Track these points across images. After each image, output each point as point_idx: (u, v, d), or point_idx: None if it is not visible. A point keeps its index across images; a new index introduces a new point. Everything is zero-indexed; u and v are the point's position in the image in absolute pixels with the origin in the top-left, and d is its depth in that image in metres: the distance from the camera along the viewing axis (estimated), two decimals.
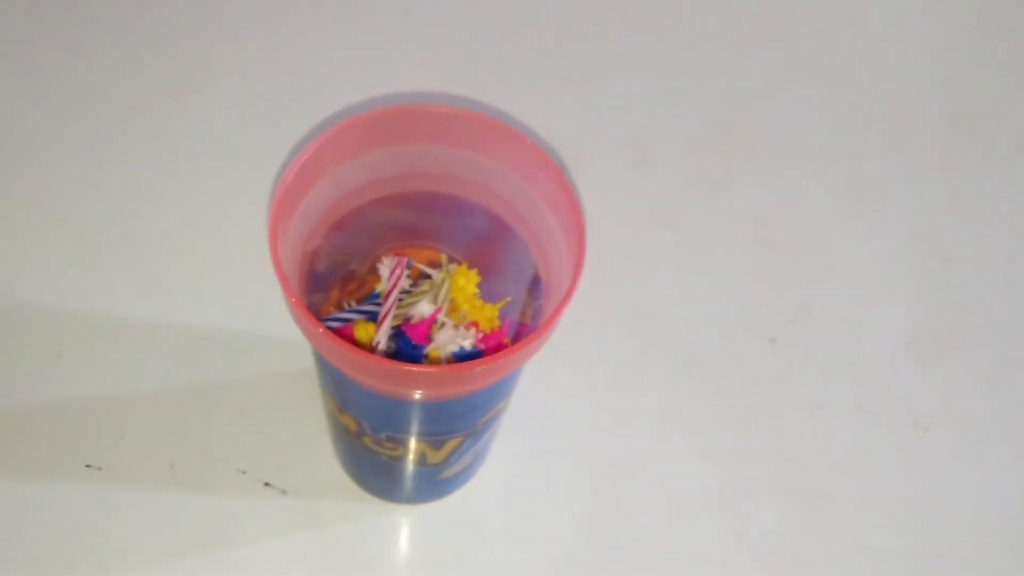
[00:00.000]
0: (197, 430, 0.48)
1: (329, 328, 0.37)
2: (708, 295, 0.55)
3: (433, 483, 0.45)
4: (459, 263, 0.40)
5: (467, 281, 0.39)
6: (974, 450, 0.52)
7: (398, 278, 0.38)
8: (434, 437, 0.39)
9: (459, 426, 0.38)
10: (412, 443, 0.39)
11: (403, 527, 0.47)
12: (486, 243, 0.40)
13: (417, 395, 0.35)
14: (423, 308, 0.39)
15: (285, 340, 0.48)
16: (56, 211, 0.54)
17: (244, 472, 0.47)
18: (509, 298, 0.39)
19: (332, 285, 0.40)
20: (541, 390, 0.50)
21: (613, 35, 0.65)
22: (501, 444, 0.48)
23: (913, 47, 0.68)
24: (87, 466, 0.47)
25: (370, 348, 0.38)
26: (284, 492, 0.47)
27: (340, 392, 0.38)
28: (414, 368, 0.32)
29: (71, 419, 0.48)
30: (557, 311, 0.33)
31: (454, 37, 0.64)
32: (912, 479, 0.51)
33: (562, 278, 0.35)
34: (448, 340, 0.39)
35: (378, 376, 0.33)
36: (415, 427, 0.38)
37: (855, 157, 0.61)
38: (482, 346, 0.39)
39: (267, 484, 0.47)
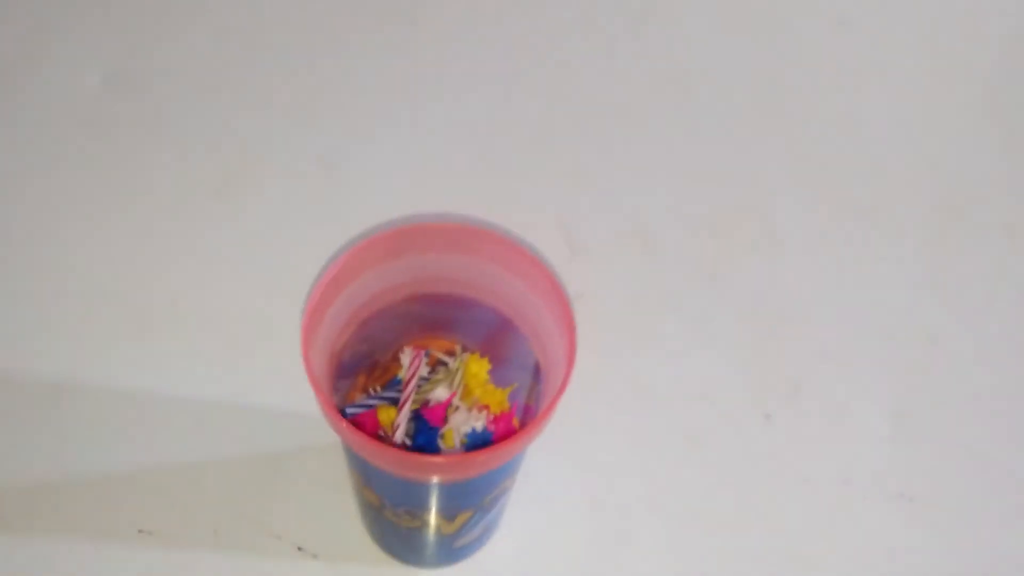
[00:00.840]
0: (238, 498, 0.53)
1: (355, 412, 0.43)
2: (707, 373, 0.60)
3: (449, 550, 0.49)
4: (472, 352, 0.45)
5: (479, 368, 0.44)
6: (959, 522, 0.55)
7: (416, 368, 0.43)
8: (447, 511, 0.44)
9: (468, 503, 0.43)
10: (427, 516, 0.44)
11: None
12: (495, 335, 0.45)
13: (427, 478, 0.40)
14: (440, 393, 0.44)
15: (320, 417, 0.53)
16: (115, 296, 0.60)
17: (279, 537, 0.52)
18: (516, 384, 0.44)
19: (359, 372, 0.45)
20: (550, 461, 0.54)
21: (621, 133, 0.71)
22: (513, 513, 0.52)
23: (902, 138, 0.72)
24: (139, 531, 0.52)
25: (392, 429, 0.42)
26: (315, 556, 0.51)
27: (363, 471, 0.43)
28: (423, 458, 0.37)
29: (126, 487, 0.53)
30: (551, 405, 0.38)
31: (477, 136, 0.70)
32: (899, 550, 0.54)
33: (558, 369, 0.40)
34: (462, 422, 0.43)
35: (393, 464, 0.38)
36: (429, 503, 0.43)
37: (846, 243, 0.66)
38: (493, 426, 0.44)
39: (300, 548, 0.52)
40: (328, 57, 0.73)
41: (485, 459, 0.37)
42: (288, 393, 0.55)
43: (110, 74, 0.70)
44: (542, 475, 0.54)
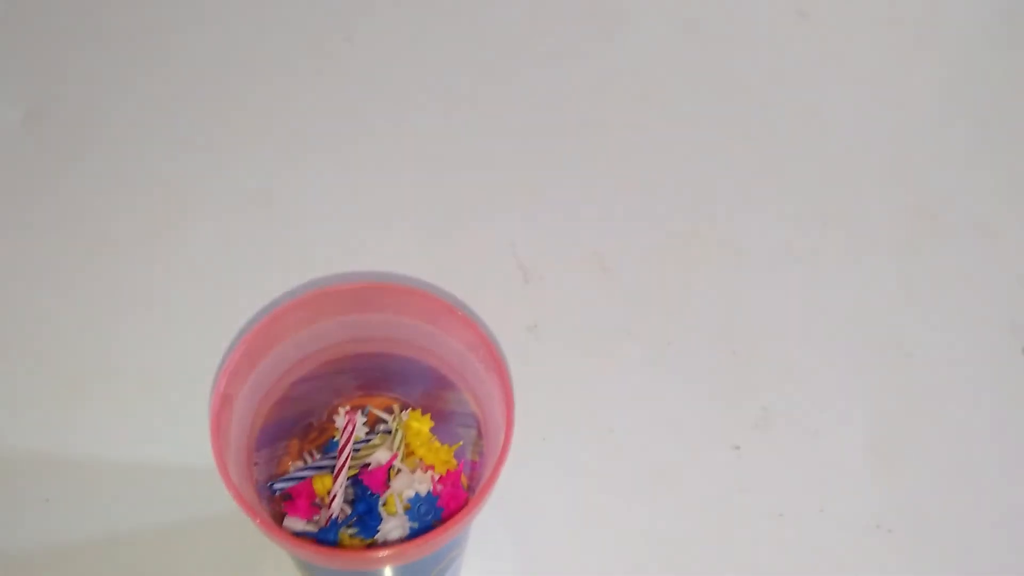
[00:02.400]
0: (183, 568, 0.50)
1: (284, 486, 0.40)
2: (671, 403, 0.57)
3: None
4: (413, 409, 0.42)
5: (421, 425, 0.41)
6: (936, 550, 0.53)
7: (351, 433, 0.40)
8: None
9: None
10: None
11: None
12: (435, 391, 0.42)
13: (371, 569, 0.37)
14: (380, 456, 0.41)
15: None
16: (39, 355, 0.56)
17: None
18: (461, 442, 0.41)
19: (292, 435, 0.41)
20: (504, 513, 0.51)
21: (574, 150, 0.67)
22: (468, 570, 0.49)
23: (867, 140, 0.70)
24: None
25: (328, 499, 0.39)
26: None
27: (299, 560, 0.40)
28: (363, 554, 0.34)
29: (60, 561, 0.50)
30: (491, 478, 0.35)
31: (424, 159, 0.66)
32: None
33: (498, 430, 0.37)
34: (404, 485, 0.40)
35: (330, 562, 0.35)
36: None
37: (813, 258, 0.63)
38: (439, 487, 0.41)
39: None
40: (260, 88, 0.69)
41: (428, 543, 0.34)
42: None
43: (32, 110, 0.66)
44: (498, 527, 0.51)
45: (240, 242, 0.62)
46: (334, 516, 0.39)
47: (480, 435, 0.41)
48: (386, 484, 0.40)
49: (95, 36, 0.71)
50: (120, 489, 0.52)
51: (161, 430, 0.54)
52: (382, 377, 0.42)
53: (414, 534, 0.39)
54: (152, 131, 0.67)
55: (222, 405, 0.35)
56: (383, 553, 0.35)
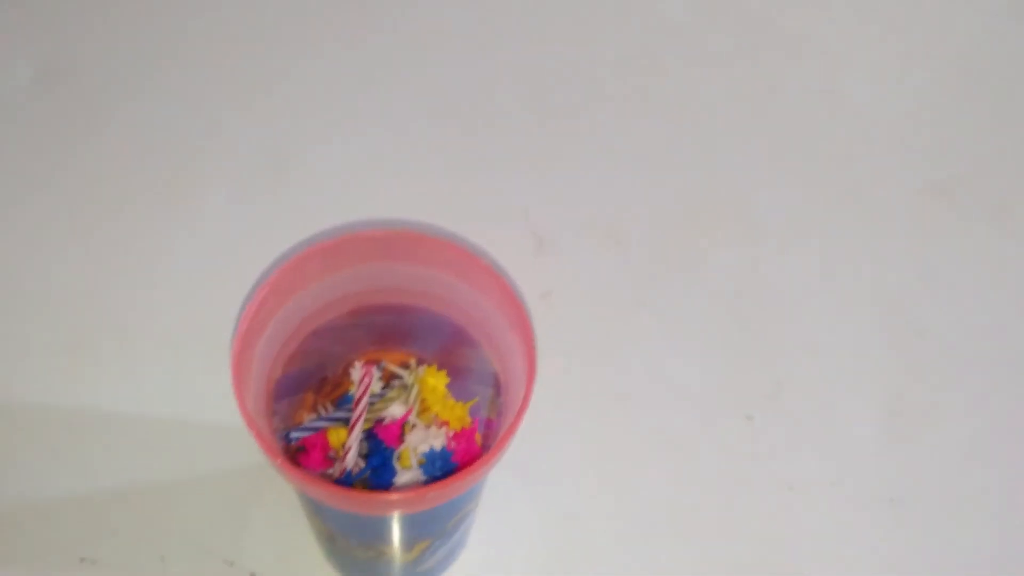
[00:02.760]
0: (186, 523, 0.50)
1: (300, 436, 0.39)
2: (684, 373, 0.56)
3: (412, 574, 0.46)
4: (429, 364, 0.41)
5: (437, 381, 0.41)
6: (949, 526, 0.53)
7: (367, 385, 0.39)
8: (404, 542, 0.40)
9: (427, 532, 0.40)
10: (382, 547, 0.41)
11: None
12: (453, 346, 0.42)
13: (385, 513, 0.37)
14: (395, 410, 0.40)
15: None
16: (48, 309, 0.56)
17: (232, 564, 0.48)
18: (477, 398, 0.41)
19: (307, 389, 0.41)
20: (517, 475, 0.51)
21: (589, 119, 0.67)
22: (480, 529, 0.49)
23: (885, 116, 0.69)
24: (81, 560, 0.48)
25: (342, 452, 0.39)
26: None
27: (312, 505, 0.39)
28: (376, 496, 0.34)
29: (66, 514, 0.50)
30: (512, 427, 0.35)
31: (439, 123, 0.66)
32: (887, 556, 0.51)
33: (518, 384, 0.37)
34: (419, 440, 0.40)
35: (343, 503, 0.35)
36: (384, 535, 0.39)
37: (829, 230, 0.63)
38: (454, 444, 0.40)
39: (254, 575, 0.48)
40: (276, 47, 0.69)
41: (443, 491, 0.34)
42: (236, 410, 0.51)
43: (41, 69, 0.66)
44: (510, 488, 0.50)
45: (254, 198, 0.61)
46: (348, 469, 0.39)
47: (497, 392, 0.41)
48: (400, 439, 0.40)
49: None
50: (132, 443, 0.52)
51: (175, 385, 0.54)
52: (398, 332, 0.42)
53: None
54: (165, 88, 0.66)
55: (243, 346, 0.35)
56: (397, 496, 0.34)
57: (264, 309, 0.36)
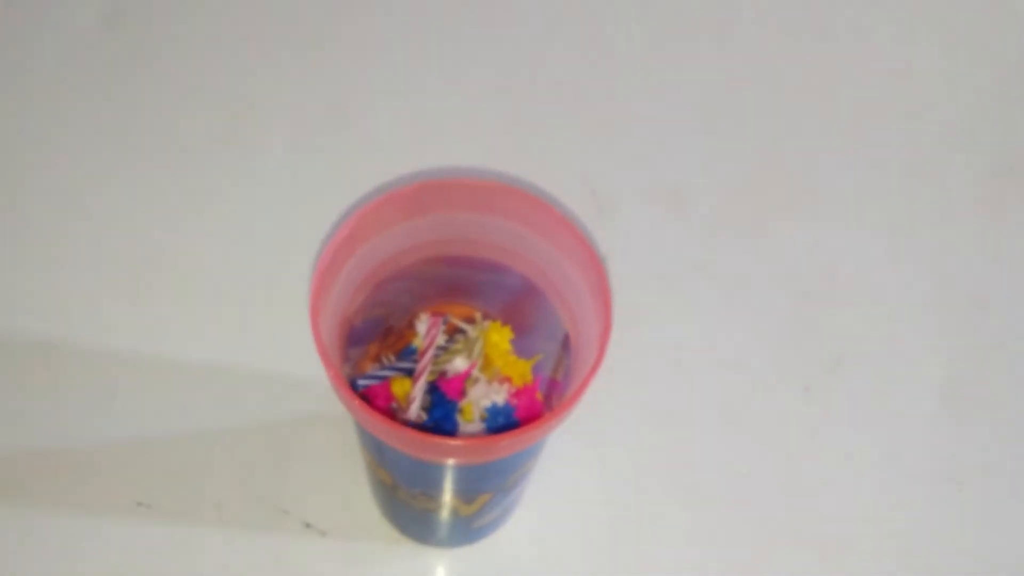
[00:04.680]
0: (243, 471, 0.50)
1: (366, 384, 0.39)
2: (744, 343, 0.56)
3: (466, 530, 0.46)
4: (493, 320, 0.41)
5: (501, 338, 0.41)
6: (1007, 506, 0.52)
7: (433, 337, 0.39)
8: (465, 494, 0.40)
9: (489, 485, 0.40)
10: (444, 498, 0.41)
11: (438, 570, 0.49)
12: (520, 302, 0.41)
13: (447, 460, 0.36)
14: (458, 364, 0.40)
15: (329, 385, 0.50)
16: (113, 254, 0.56)
17: (287, 512, 0.49)
18: (541, 355, 0.41)
19: (372, 339, 0.41)
20: (574, 438, 0.51)
21: (653, 84, 0.66)
22: (534, 490, 0.49)
23: (956, 93, 0.68)
24: (138, 504, 0.49)
25: (406, 403, 0.39)
26: (324, 534, 0.48)
27: (376, 450, 0.39)
28: (441, 440, 0.34)
29: (124, 457, 0.50)
30: (584, 383, 0.34)
31: (500, 85, 0.65)
32: (943, 534, 0.51)
33: (591, 343, 0.37)
34: (481, 395, 0.40)
35: (408, 445, 0.35)
36: (446, 485, 0.39)
37: (893, 205, 0.62)
38: (515, 401, 0.40)
39: (308, 525, 0.49)
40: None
41: (511, 442, 0.34)
42: (297, 359, 0.52)
43: (108, 13, 0.66)
44: (565, 450, 0.50)
45: (315, 146, 0.61)
46: (411, 421, 0.39)
47: (565, 351, 0.41)
48: (462, 393, 0.40)
49: None
50: (193, 389, 0.52)
51: (238, 332, 0.54)
52: (465, 285, 0.42)
53: None
54: (229, 34, 0.66)
55: (321, 286, 0.35)
56: (468, 442, 0.34)
57: (343, 251, 0.36)
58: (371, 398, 0.39)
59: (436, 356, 0.40)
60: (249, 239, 0.57)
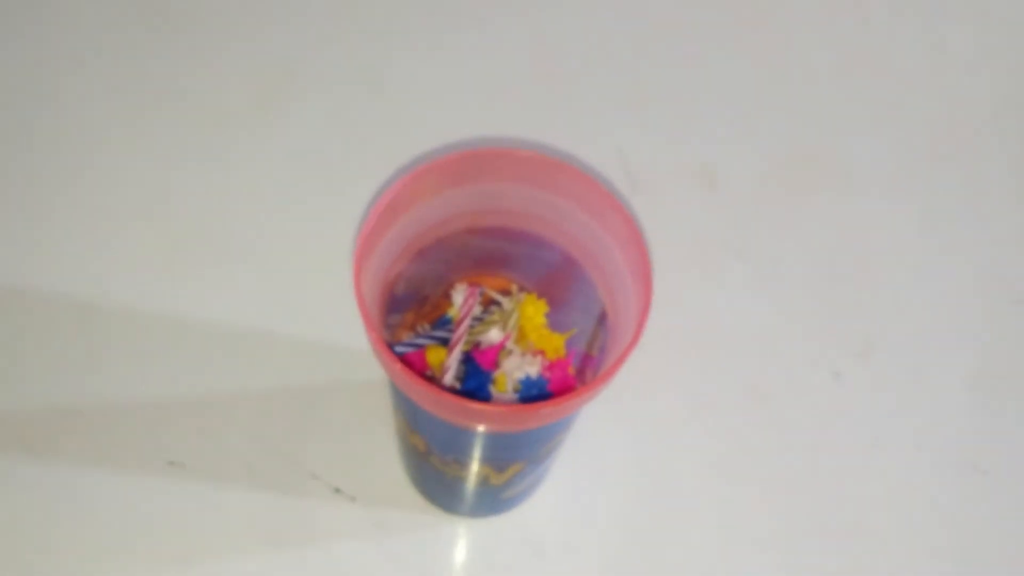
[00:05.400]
0: (275, 434, 0.50)
1: (404, 351, 0.40)
2: (774, 325, 0.56)
3: (494, 500, 0.46)
4: (529, 293, 0.41)
5: (535, 311, 0.41)
6: None
7: (470, 307, 0.40)
8: (497, 462, 0.41)
9: (521, 455, 0.40)
10: (476, 466, 0.41)
11: (464, 539, 0.49)
12: (556, 276, 0.42)
13: (482, 427, 0.37)
14: (492, 335, 0.40)
15: (364, 353, 0.50)
16: (150, 219, 0.57)
17: (317, 477, 0.49)
18: (575, 330, 0.41)
19: (409, 308, 0.41)
20: (603, 414, 0.51)
21: (687, 61, 0.66)
22: (562, 464, 0.49)
23: (992, 82, 0.67)
24: (170, 463, 0.49)
25: (441, 371, 0.39)
26: (353, 499, 0.49)
27: (412, 416, 0.40)
28: (481, 406, 0.34)
29: (156, 417, 0.51)
30: (622, 357, 0.34)
31: (535, 59, 0.65)
32: (969, 523, 0.51)
33: (628, 319, 0.37)
34: (515, 367, 0.40)
35: (447, 410, 0.35)
36: (479, 453, 0.40)
37: (928, 192, 0.61)
38: (548, 374, 0.40)
39: (337, 490, 0.49)
40: None
41: (547, 412, 0.34)
42: (331, 325, 0.52)
43: None
44: (594, 426, 0.51)
45: (355, 118, 0.61)
46: (446, 389, 0.39)
47: (598, 327, 0.41)
48: (496, 364, 0.40)
49: None
50: (228, 352, 0.53)
51: (273, 297, 0.54)
52: (502, 256, 0.42)
53: None
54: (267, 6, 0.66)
55: (365, 248, 0.35)
56: (505, 409, 0.34)
57: (385, 217, 0.36)
58: (407, 365, 0.40)
59: (471, 327, 0.40)
60: (286, 203, 0.58)
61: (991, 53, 0.68)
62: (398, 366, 0.34)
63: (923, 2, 0.70)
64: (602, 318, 0.41)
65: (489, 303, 0.41)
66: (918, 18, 0.70)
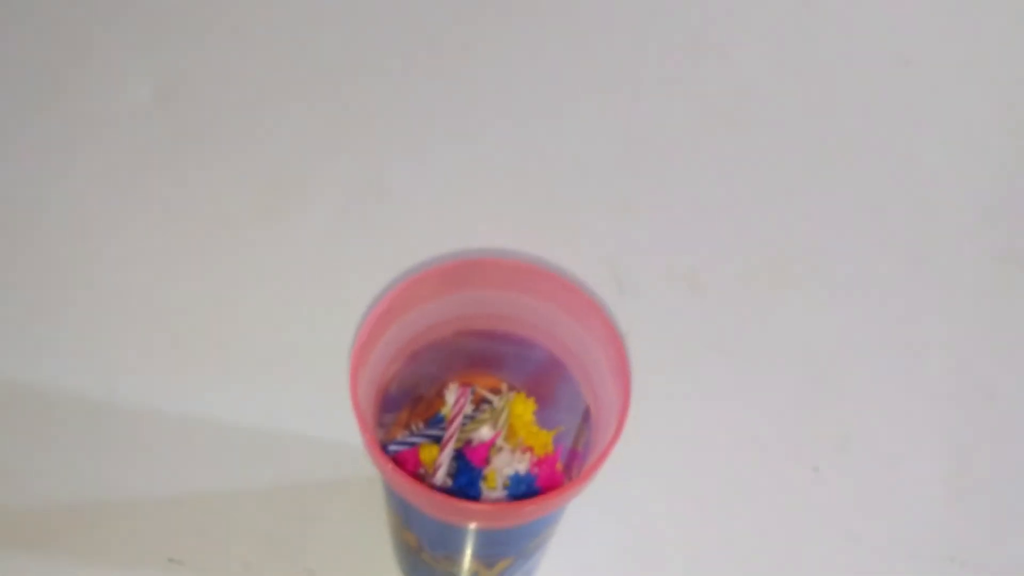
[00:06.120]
0: (272, 530, 0.52)
1: (397, 449, 0.41)
2: (754, 422, 0.58)
3: None
4: (518, 391, 0.43)
5: (525, 409, 0.43)
6: None
7: (462, 407, 0.42)
8: (487, 558, 0.42)
9: (510, 550, 0.42)
10: (466, 562, 0.43)
11: None
12: (543, 375, 0.44)
13: (472, 524, 0.38)
14: (483, 432, 0.42)
15: (360, 450, 0.52)
16: (154, 319, 0.59)
17: (312, 573, 0.51)
18: (563, 427, 0.43)
19: (403, 407, 0.43)
20: (590, 508, 0.52)
21: (674, 170, 0.69)
22: (551, 557, 0.51)
23: (964, 180, 0.70)
24: (169, 560, 0.51)
25: (433, 468, 0.41)
26: None
27: (404, 513, 0.41)
28: (466, 504, 0.36)
29: (157, 514, 0.52)
30: (604, 453, 0.36)
31: (523, 169, 0.68)
32: None
33: (610, 415, 0.39)
34: (505, 463, 0.42)
35: (435, 508, 0.37)
36: (469, 549, 0.41)
37: (902, 289, 0.64)
38: (536, 470, 0.42)
39: None
40: (383, 80, 0.72)
41: (535, 508, 0.36)
42: (327, 424, 0.54)
43: (161, 88, 0.69)
44: (581, 520, 0.52)
45: (355, 227, 0.64)
46: (437, 486, 0.41)
47: (583, 424, 0.43)
48: (487, 461, 0.42)
49: (222, 16, 0.74)
50: (226, 450, 0.54)
51: (270, 396, 0.56)
52: (492, 357, 0.44)
53: None
54: (275, 110, 0.69)
55: (360, 356, 0.37)
56: (491, 508, 0.36)
57: (381, 323, 0.38)
58: (400, 463, 0.41)
59: (463, 425, 0.42)
60: (287, 308, 0.60)
61: (963, 157, 0.72)
62: (390, 465, 0.36)
63: (897, 107, 0.74)
64: (586, 415, 0.43)
65: (480, 401, 0.43)
66: (894, 130, 0.73)
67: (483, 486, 0.41)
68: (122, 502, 0.52)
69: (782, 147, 0.71)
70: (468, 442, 0.42)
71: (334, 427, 0.53)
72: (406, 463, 0.41)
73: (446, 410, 0.42)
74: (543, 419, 0.43)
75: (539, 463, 0.42)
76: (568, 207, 0.67)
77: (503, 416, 0.43)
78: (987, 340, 0.62)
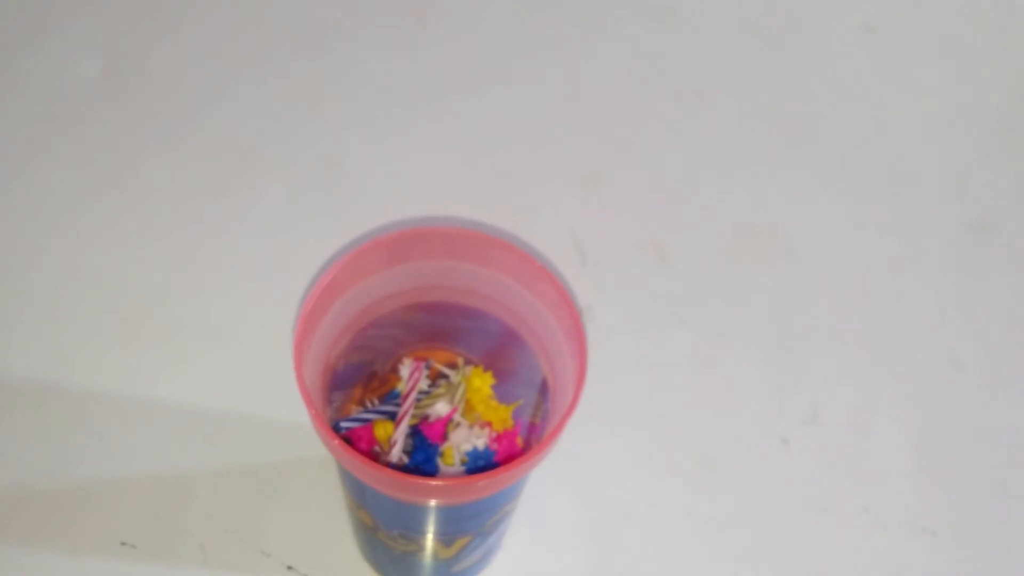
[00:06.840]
0: (226, 512, 0.50)
1: (349, 427, 0.40)
2: (721, 394, 0.57)
3: (446, 574, 0.47)
4: (475, 366, 0.42)
5: (482, 383, 0.42)
6: (981, 556, 0.53)
7: (416, 381, 0.40)
8: (444, 536, 0.41)
9: (468, 527, 0.41)
10: (423, 540, 0.41)
11: None
12: (500, 348, 0.43)
13: (424, 501, 0.37)
14: (440, 408, 0.41)
15: (311, 428, 0.51)
16: (102, 299, 0.57)
17: (269, 555, 0.49)
18: (521, 401, 0.42)
19: (356, 383, 0.42)
20: (553, 483, 0.51)
21: (638, 139, 0.68)
22: (513, 535, 0.50)
23: (933, 154, 0.70)
24: (122, 544, 0.49)
25: (388, 445, 0.40)
26: None
27: (357, 492, 0.40)
28: (424, 480, 0.35)
29: (109, 498, 0.51)
30: (558, 427, 0.35)
31: (482, 140, 0.67)
32: None
33: (567, 385, 0.38)
34: (463, 439, 0.41)
35: (388, 486, 0.35)
36: (426, 527, 0.40)
37: (871, 261, 0.63)
38: (495, 445, 0.41)
39: (290, 568, 0.49)
40: (332, 54, 0.70)
41: (488, 483, 0.34)
42: (281, 403, 0.53)
43: (110, 64, 0.67)
44: (546, 495, 0.51)
45: (306, 197, 0.63)
46: (393, 463, 0.40)
47: (544, 397, 0.42)
48: (444, 437, 0.41)
49: None
50: (178, 431, 0.53)
51: (222, 376, 0.55)
52: (448, 331, 0.43)
53: None
54: (225, 86, 0.68)
55: (305, 330, 0.36)
56: (443, 483, 0.35)
57: (326, 296, 0.37)
58: (354, 441, 0.40)
59: (418, 400, 0.41)
60: (238, 286, 0.58)
61: (931, 128, 0.71)
62: (336, 441, 0.35)
63: (863, 76, 0.73)
64: (544, 387, 0.42)
65: (437, 376, 0.42)
66: (859, 86, 0.73)
67: (440, 463, 0.40)
68: (72, 486, 0.51)
69: (749, 116, 0.70)
70: (424, 418, 0.41)
71: (287, 406, 0.52)
72: (360, 441, 0.40)
73: (401, 386, 0.41)
74: (502, 394, 0.42)
75: (498, 438, 0.41)
76: (528, 178, 0.65)
77: (460, 390, 0.41)
78: (956, 310, 0.62)
